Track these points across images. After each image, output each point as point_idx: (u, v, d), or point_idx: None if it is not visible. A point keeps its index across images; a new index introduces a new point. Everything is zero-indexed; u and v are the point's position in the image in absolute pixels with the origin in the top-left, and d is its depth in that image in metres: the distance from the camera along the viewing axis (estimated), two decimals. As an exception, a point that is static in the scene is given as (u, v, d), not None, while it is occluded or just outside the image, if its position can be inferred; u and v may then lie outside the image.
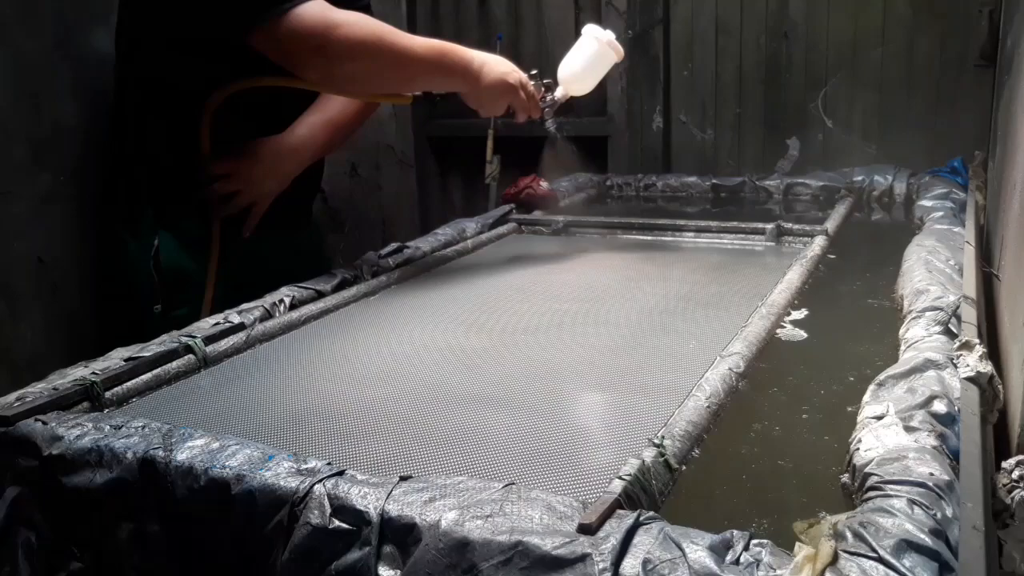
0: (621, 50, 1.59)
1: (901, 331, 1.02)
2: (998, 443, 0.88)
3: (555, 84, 1.59)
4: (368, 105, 1.62)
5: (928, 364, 0.84)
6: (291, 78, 1.37)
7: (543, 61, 3.07)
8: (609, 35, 1.58)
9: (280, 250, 1.56)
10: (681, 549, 0.57)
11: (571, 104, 1.67)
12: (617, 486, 0.67)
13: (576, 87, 1.60)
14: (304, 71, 1.35)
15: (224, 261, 1.46)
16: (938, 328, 0.96)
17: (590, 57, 1.58)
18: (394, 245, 1.57)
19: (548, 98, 1.58)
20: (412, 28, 3.23)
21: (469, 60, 1.44)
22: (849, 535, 0.58)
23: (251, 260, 1.50)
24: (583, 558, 0.58)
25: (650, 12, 2.80)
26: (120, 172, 1.49)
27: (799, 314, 1.22)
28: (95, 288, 1.54)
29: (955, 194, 1.77)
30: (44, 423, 0.85)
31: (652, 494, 0.71)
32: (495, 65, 1.46)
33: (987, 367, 0.84)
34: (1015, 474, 0.78)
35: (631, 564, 0.57)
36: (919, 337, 0.94)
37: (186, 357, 1.08)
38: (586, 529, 0.60)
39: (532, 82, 1.51)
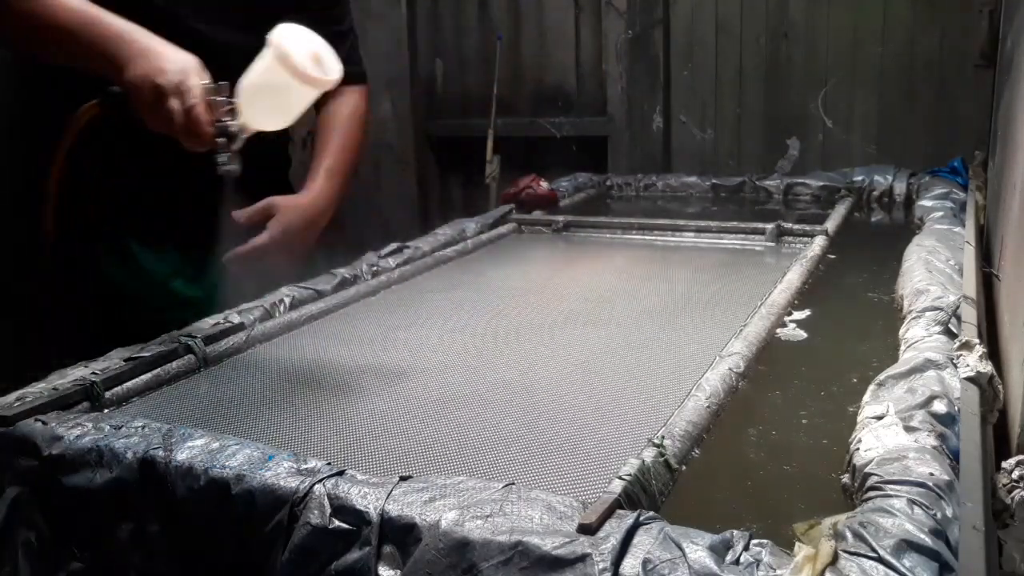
0: (319, 76, 1.02)
1: (901, 331, 1.02)
2: (998, 443, 0.88)
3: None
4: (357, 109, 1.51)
5: (928, 364, 0.84)
6: None
7: (543, 61, 3.07)
8: (299, 49, 1.01)
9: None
10: (681, 549, 0.57)
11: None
12: (617, 486, 0.67)
13: (255, 118, 1.05)
14: None
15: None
16: (938, 328, 0.96)
17: (264, 79, 1.03)
18: (394, 245, 1.57)
19: (227, 124, 1.04)
20: (412, 27, 3.23)
21: (123, 40, 1.06)
22: (849, 535, 0.58)
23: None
24: (583, 558, 0.58)
25: (650, 12, 2.80)
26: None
27: (800, 314, 1.22)
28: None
29: (955, 194, 1.77)
30: (44, 423, 0.85)
31: (652, 494, 0.71)
32: (156, 59, 1.04)
33: (987, 367, 0.84)
34: (1015, 474, 0.78)
35: (631, 564, 0.57)
36: (919, 337, 0.94)
37: (186, 357, 1.08)
38: (586, 529, 0.60)
39: (213, 96, 1.03)
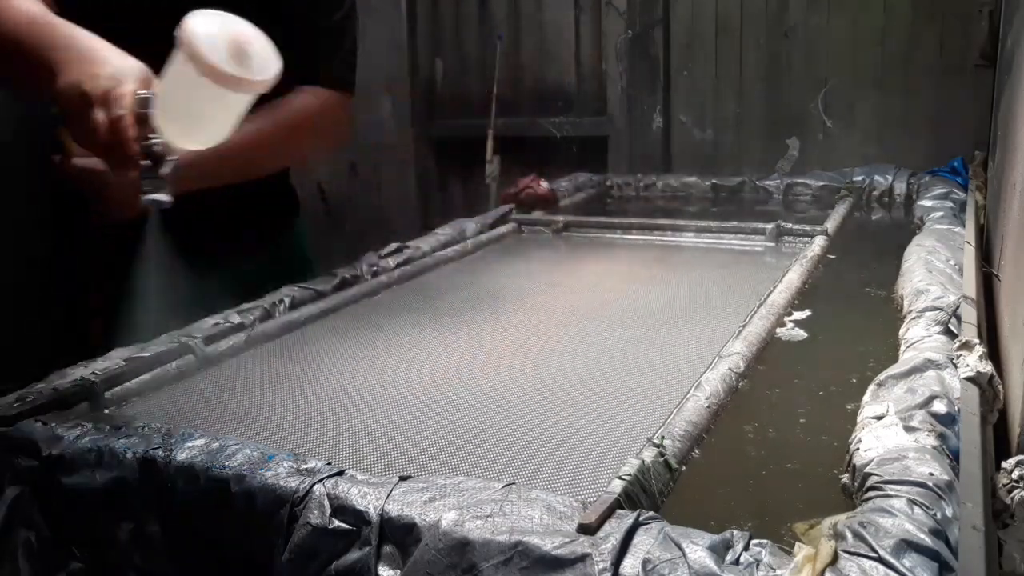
0: (240, 74, 0.83)
1: (901, 331, 1.02)
2: (998, 443, 0.88)
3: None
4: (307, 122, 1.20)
5: (928, 364, 0.84)
6: None
7: (543, 61, 3.07)
8: (213, 42, 0.82)
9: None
10: (681, 549, 0.57)
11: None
12: (617, 486, 0.67)
13: (176, 134, 0.87)
14: None
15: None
16: (938, 328, 0.96)
17: (176, 83, 0.86)
18: (394, 245, 1.57)
19: (151, 144, 0.86)
20: (412, 27, 3.23)
21: (64, 44, 0.90)
22: (849, 535, 0.58)
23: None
24: (583, 558, 0.58)
25: (650, 12, 2.80)
26: None
27: (800, 314, 1.22)
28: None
29: (955, 194, 1.77)
30: (44, 423, 0.85)
31: (652, 494, 0.71)
32: (91, 63, 0.87)
33: (987, 367, 0.84)
34: (1015, 474, 0.78)
35: (631, 564, 0.57)
36: (919, 337, 0.94)
37: (186, 357, 1.08)
38: (586, 529, 0.60)
39: (142, 109, 0.85)
